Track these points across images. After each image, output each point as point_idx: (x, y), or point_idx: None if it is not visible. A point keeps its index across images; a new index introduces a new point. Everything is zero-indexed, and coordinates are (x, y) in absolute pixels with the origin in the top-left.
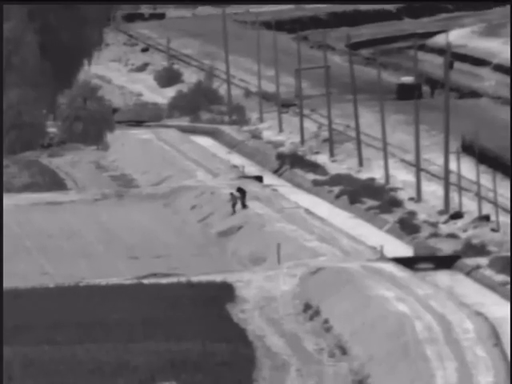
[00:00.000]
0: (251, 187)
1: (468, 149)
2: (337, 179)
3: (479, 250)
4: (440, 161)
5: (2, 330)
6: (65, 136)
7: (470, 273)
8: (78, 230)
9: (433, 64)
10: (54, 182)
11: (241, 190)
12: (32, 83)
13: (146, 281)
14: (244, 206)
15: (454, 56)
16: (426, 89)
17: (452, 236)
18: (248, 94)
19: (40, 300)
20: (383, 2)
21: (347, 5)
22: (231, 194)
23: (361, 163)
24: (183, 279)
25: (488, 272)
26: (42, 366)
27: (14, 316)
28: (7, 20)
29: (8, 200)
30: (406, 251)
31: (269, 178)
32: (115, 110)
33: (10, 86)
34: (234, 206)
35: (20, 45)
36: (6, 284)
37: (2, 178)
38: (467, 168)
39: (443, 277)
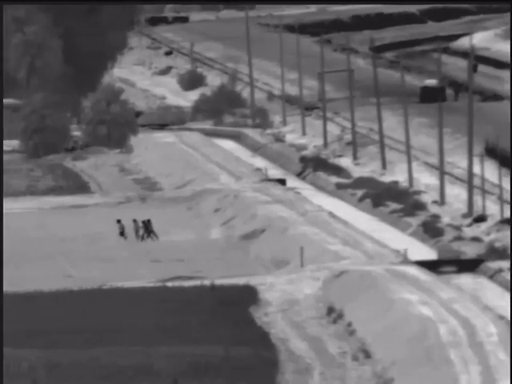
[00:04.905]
0: (274, 190)
1: (491, 152)
2: (360, 182)
3: (501, 253)
4: (463, 164)
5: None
6: (88, 139)
7: (492, 276)
8: (102, 233)
9: (456, 67)
10: (78, 186)
11: (144, 222)
12: (56, 87)
13: (169, 284)
14: (146, 235)
15: (477, 59)
16: (449, 92)
17: (476, 239)
18: (271, 97)
19: (63, 303)
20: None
21: (370, 8)
22: (134, 220)
23: (384, 166)
24: (206, 282)
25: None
26: (65, 370)
27: (37, 319)
28: (31, 24)
29: (32, 203)
30: (430, 254)
31: (292, 181)
32: (138, 114)
33: (33, 90)
34: (136, 232)
35: (44, 49)
36: (30, 287)
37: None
38: (490, 171)
39: (467, 280)
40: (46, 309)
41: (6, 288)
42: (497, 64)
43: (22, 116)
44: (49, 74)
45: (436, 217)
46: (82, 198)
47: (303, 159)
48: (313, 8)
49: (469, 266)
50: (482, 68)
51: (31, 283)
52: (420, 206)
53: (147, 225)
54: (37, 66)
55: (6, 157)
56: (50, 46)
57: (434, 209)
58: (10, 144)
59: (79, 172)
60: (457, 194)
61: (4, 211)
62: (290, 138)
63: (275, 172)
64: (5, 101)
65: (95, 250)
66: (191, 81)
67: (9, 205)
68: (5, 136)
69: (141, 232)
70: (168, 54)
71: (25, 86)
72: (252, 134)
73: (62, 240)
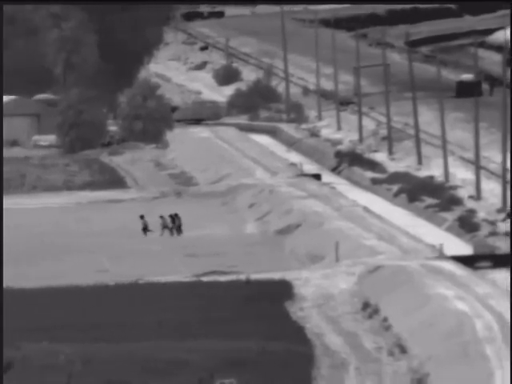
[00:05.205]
0: (309, 185)
1: None
2: (395, 177)
3: None
4: (499, 158)
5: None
6: (125, 134)
7: None
8: (137, 228)
9: (492, 61)
10: (114, 180)
11: (173, 217)
12: (92, 82)
13: (204, 278)
14: (174, 231)
15: None
16: (485, 86)
17: (509, 234)
18: (306, 91)
19: (99, 297)
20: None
21: (405, 2)
22: (161, 216)
23: (420, 161)
24: (241, 277)
25: None
26: (101, 364)
27: (73, 313)
28: (67, 20)
29: (69, 198)
30: (466, 249)
31: (327, 176)
32: (174, 109)
33: (70, 85)
34: (163, 228)
35: (80, 45)
36: (66, 281)
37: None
38: None
39: (501, 275)
40: (82, 303)
41: (42, 282)
42: None
43: (59, 111)
44: (85, 69)
45: (472, 212)
46: (118, 193)
47: (338, 154)
48: (348, 3)
49: (503, 260)
50: None
51: (67, 277)
52: (456, 201)
53: (175, 219)
54: (73, 61)
55: (42, 152)
56: (86, 41)
57: (470, 204)
58: (46, 139)
59: (115, 167)
60: (492, 188)
61: (41, 206)
62: (325, 132)
63: (310, 167)
64: (41, 96)
65: (131, 244)
66: (226, 76)
67: (46, 199)
68: (42, 131)
69: (170, 226)
70: (203, 49)
71: (61, 82)
72: (287, 128)
73: (98, 234)
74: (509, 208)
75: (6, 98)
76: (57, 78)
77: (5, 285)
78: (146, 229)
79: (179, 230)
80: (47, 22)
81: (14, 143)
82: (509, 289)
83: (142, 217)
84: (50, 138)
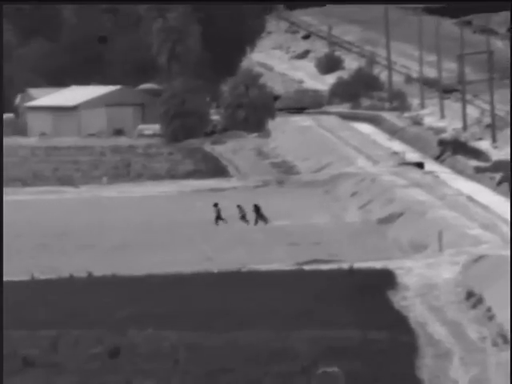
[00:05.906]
0: (412, 174)
1: None
2: (498, 165)
3: None
4: None
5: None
6: (227, 123)
7: None
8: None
9: None
10: (217, 169)
11: (257, 206)
12: (195, 72)
13: (306, 267)
14: (257, 220)
15: None
16: None
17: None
18: (409, 79)
19: (204, 285)
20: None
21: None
22: (238, 206)
23: None
24: (343, 265)
25: None
26: (206, 351)
27: (177, 301)
28: (171, 11)
29: (172, 186)
30: None
31: (430, 165)
32: (276, 98)
33: (174, 74)
34: (243, 217)
35: (184, 35)
36: (172, 269)
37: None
38: None
39: None
40: (186, 290)
41: (148, 269)
42: None
43: (163, 100)
44: (189, 59)
45: None
46: (220, 182)
47: (441, 142)
48: None
49: None
50: None
51: (172, 265)
52: None
53: (259, 209)
54: (178, 51)
55: (147, 141)
56: (191, 31)
57: None
58: (150, 128)
59: (218, 156)
60: None
61: (146, 194)
62: (428, 121)
63: (413, 155)
64: (146, 85)
65: (233, 232)
66: (329, 64)
67: (150, 188)
68: (146, 120)
69: (253, 216)
70: (306, 37)
71: (166, 71)
72: (389, 117)
73: (201, 222)
74: None
75: (111, 88)
76: (161, 67)
77: (112, 272)
78: (218, 217)
79: (264, 219)
80: (152, 13)
81: (120, 132)
82: None
83: (215, 205)
84: (154, 128)
